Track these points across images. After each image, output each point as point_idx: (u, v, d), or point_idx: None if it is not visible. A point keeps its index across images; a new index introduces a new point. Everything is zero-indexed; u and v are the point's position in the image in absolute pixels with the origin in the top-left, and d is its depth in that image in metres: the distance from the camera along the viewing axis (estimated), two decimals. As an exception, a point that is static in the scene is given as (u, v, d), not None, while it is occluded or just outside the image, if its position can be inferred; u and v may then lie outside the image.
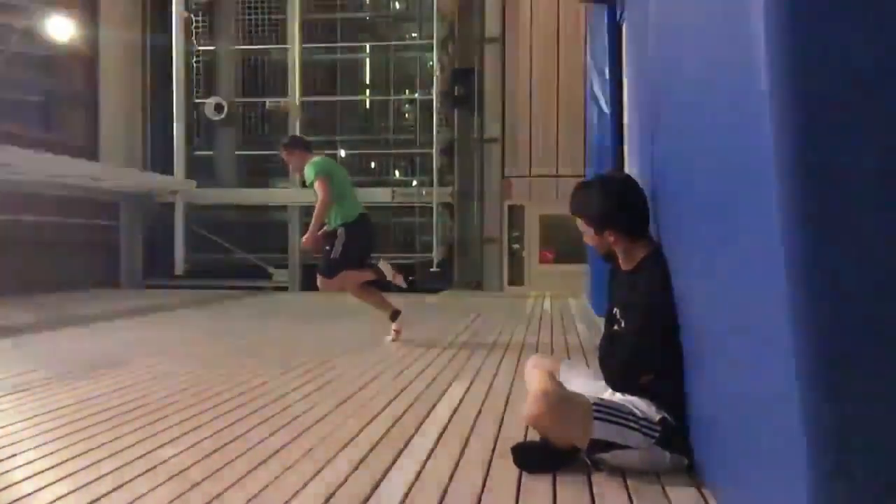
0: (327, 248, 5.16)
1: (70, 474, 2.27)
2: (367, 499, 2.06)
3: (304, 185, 5.28)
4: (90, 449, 2.54)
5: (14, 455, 2.50)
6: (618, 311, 2.50)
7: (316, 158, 5.36)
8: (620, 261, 2.52)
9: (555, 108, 11.64)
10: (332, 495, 2.09)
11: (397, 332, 5.27)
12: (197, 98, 12.34)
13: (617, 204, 2.46)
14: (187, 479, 2.21)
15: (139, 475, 2.25)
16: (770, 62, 1.29)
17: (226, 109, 12.05)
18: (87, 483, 2.17)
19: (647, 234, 2.50)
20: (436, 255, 11.39)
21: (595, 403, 2.26)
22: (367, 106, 13.50)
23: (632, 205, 2.48)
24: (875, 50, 1.23)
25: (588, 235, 2.55)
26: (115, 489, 2.12)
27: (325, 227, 5.21)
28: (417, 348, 4.98)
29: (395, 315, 5.29)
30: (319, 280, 5.24)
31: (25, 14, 9.70)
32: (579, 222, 2.57)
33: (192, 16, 12.31)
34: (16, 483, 2.20)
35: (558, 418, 2.26)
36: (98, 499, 2.05)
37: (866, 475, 1.24)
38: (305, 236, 5.21)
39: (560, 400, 2.31)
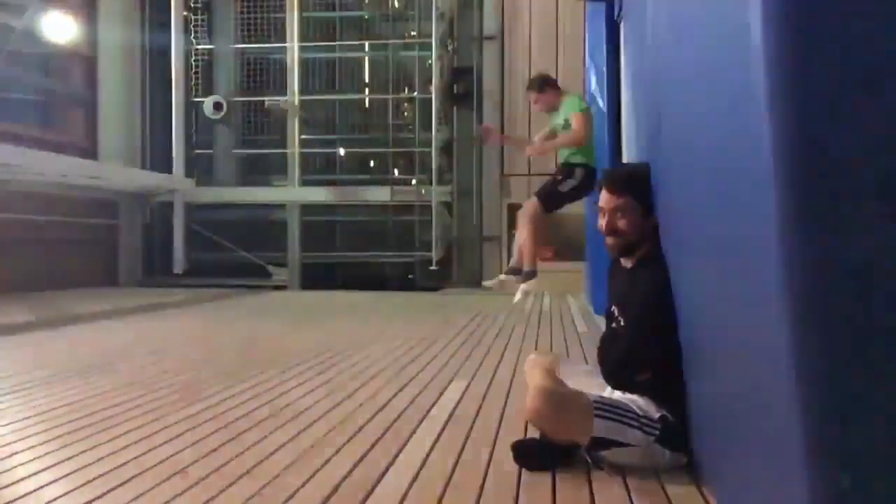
0: (559, 178, 5.09)
1: (71, 472, 2.27)
2: (367, 496, 2.06)
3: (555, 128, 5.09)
4: (91, 447, 2.54)
5: (15, 453, 2.50)
6: (616, 309, 2.50)
7: (577, 94, 5.33)
8: (634, 255, 2.49)
9: (554, 107, 11.64)
10: (332, 493, 2.09)
11: (525, 292, 5.14)
12: (196, 97, 12.34)
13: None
14: (189, 477, 2.21)
15: (140, 473, 2.25)
16: (769, 60, 1.29)
17: (224, 108, 12.04)
18: (89, 481, 2.18)
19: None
20: (435, 253, 11.40)
21: (595, 401, 2.26)
22: (366, 104, 13.50)
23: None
24: (876, 49, 1.23)
25: (628, 217, 2.42)
26: (116, 487, 2.12)
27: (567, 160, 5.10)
28: (417, 346, 4.98)
29: (529, 276, 5.10)
30: (530, 204, 5.09)
31: (24, 13, 9.69)
32: (620, 202, 2.43)
33: (190, 14, 12.32)
34: (17, 481, 2.20)
35: (558, 416, 2.26)
36: (100, 496, 2.05)
37: (866, 474, 1.25)
38: (535, 148, 5.10)
39: (560, 397, 2.32)
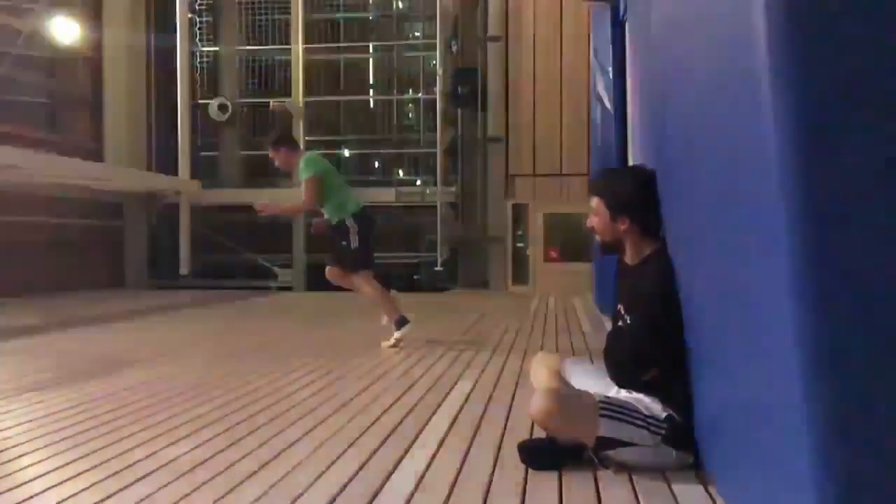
0: (343, 242, 5.03)
1: (78, 474, 2.28)
2: (374, 496, 2.07)
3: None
4: (98, 448, 2.55)
5: (23, 455, 2.52)
6: (622, 308, 2.50)
7: (309, 154, 5.25)
8: (627, 255, 2.51)
9: (558, 107, 11.63)
10: (339, 493, 2.10)
11: (398, 340, 5.00)
12: (201, 99, 12.36)
13: (643, 194, 2.47)
14: (195, 478, 2.22)
15: (147, 474, 2.26)
16: (772, 59, 1.29)
17: (230, 110, 12.08)
18: (96, 482, 2.19)
19: (658, 232, 2.49)
20: (440, 254, 11.40)
21: (601, 401, 2.26)
22: (371, 106, 13.51)
23: (655, 200, 2.47)
24: (876, 48, 1.23)
25: (599, 219, 2.50)
26: (123, 488, 2.13)
27: (327, 220, 5.10)
28: (422, 347, 4.99)
29: (401, 322, 5.02)
30: (332, 270, 5.10)
31: (30, 16, 9.72)
32: (595, 203, 2.52)
33: (195, 17, 12.35)
34: (25, 483, 2.22)
35: (564, 416, 2.27)
36: (106, 498, 2.06)
37: (869, 475, 1.25)
38: (265, 205, 5.03)
39: (566, 398, 2.32)
